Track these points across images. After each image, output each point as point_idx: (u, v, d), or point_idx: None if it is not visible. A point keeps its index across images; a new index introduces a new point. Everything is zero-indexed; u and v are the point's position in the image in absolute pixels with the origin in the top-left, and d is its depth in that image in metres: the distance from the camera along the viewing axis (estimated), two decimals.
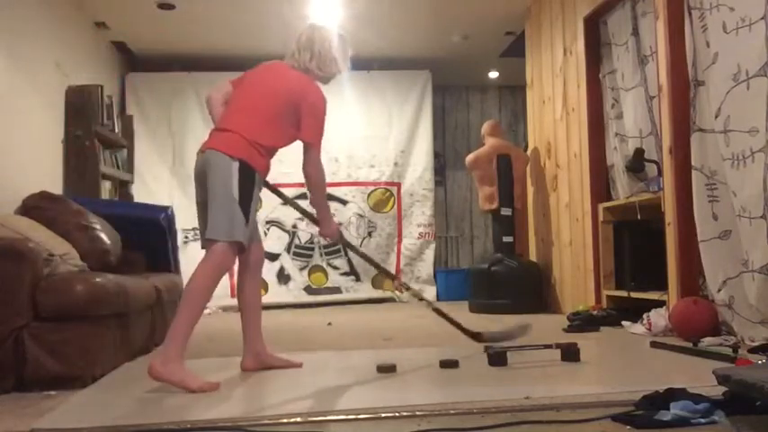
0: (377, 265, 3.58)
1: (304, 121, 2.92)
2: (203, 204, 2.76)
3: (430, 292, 7.09)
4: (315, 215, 3.15)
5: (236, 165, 2.68)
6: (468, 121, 8.14)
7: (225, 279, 6.64)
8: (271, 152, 2.89)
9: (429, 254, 7.18)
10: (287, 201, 3.38)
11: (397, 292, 7.02)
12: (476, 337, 3.25)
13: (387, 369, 2.80)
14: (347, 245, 3.37)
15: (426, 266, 7.16)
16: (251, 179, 2.72)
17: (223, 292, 6.69)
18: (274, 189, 3.21)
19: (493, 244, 6.14)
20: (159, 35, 6.34)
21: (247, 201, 2.69)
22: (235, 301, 7.03)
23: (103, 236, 3.57)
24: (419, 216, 7.16)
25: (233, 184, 2.66)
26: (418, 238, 7.16)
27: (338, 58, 3.06)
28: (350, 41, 3.14)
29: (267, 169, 2.90)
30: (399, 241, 7.14)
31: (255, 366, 2.94)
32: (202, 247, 2.78)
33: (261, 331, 2.99)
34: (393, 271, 7.11)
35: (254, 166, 2.74)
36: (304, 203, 7.16)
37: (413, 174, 7.18)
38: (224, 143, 2.74)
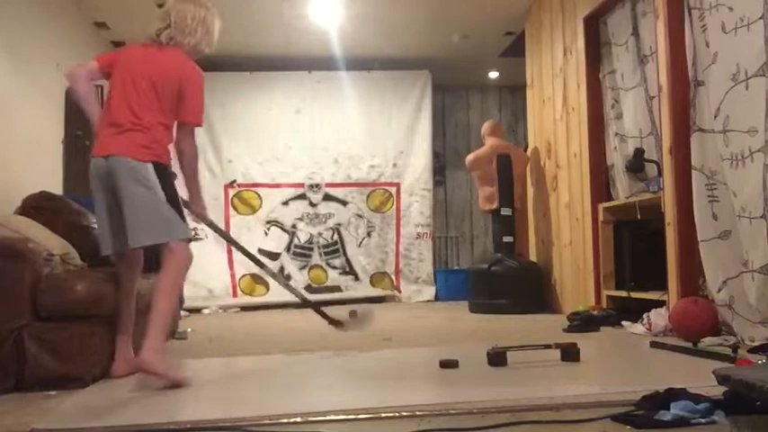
0: (255, 259, 3.71)
1: (188, 102, 2.79)
2: (112, 209, 2.72)
3: (429, 292, 7.10)
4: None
5: (150, 167, 2.67)
6: (468, 121, 8.14)
7: (227, 279, 6.72)
8: (169, 138, 2.82)
9: (427, 254, 7.19)
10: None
11: (395, 292, 7.03)
12: (337, 324, 3.57)
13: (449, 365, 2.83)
14: (214, 226, 3.33)
15: (425, 266, 7.17)
16: (166, 174, 2.73)
17: (225, 292, 6.71)
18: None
19: (493, 244, 6.14)
20: None
21: (175, 197, 2.72)
22: (235, 301, 7.09)
23: None
24: (417, 216, 7.17)
25: (156, 188, 2.66)
26: (417, 237, 7.17)
27: (199, 31, 2.90)
28: (216, 17, 3.00)
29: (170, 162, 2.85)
30: (398, 241, 7.14)
31: (126, 371, 2.84)
32: (114, 253, 2.82)
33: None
34: (393, 270, 7.11)
35: (164, 162, 2.74)
36: (302, 203, 7.23)
37: (412, 174, 7.18)
38: (130, 146, 2.68)
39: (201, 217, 3.05)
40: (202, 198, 3.02)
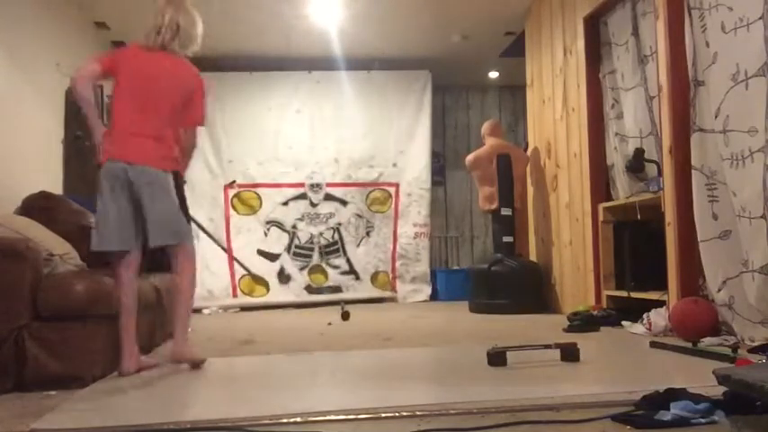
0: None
1: (197, 108, 3.07)
2: (124, 210, 2.85)
3: (425, 292, 7.10)
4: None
5: (170, 177, 2.94)
6: (469, 121, 8.14)
7: (227, 279, 6.72)
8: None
9: (425, 253, 7.18)
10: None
11: (392, 292, 7.02)
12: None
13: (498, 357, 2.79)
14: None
15: (422, 266, 7.16)
16: (181, 184, 3.05)
17: (224, 293, 6.70)
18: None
19: (493, 244, 6.14)
20: None
21: (184, 202, 3.04)
22: (235, 301, 7.10)
23: None
24: (415, 216, 7.16)
25: (173, 195, 2.95)
26: (414, 237, 7.16)
27: (199, 36, 3.11)
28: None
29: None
30: (395, 241, 7.14)
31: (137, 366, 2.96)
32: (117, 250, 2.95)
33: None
34: (389, 270, 7.10)
35: (177, 169, 3.02)
36: (303, 203, 7.22)
37: (411, 174, 7.18)
38: (155, 157, 2.90)
39: None
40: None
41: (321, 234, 7.02)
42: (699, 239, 3.50)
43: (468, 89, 8.17)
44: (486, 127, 6.14)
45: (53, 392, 2.52)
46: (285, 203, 7.02)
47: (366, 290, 6.95)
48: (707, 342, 3.23)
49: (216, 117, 6.88)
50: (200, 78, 3.08)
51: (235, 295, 6.74)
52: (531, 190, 6.01)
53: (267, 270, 6.82)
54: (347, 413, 2.05)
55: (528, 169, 5.99)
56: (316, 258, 6.97)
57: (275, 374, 2.90)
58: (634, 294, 4.23)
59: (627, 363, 3.06)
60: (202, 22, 3.11)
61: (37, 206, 3.59)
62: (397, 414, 2.03)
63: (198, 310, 6.19)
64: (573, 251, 5.09)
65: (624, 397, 2.09)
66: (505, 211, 5.64)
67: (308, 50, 6.75)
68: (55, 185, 4.76)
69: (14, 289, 2.60)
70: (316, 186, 7.04)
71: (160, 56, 2.99)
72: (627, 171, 4.43)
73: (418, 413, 2.02)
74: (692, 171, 3.52)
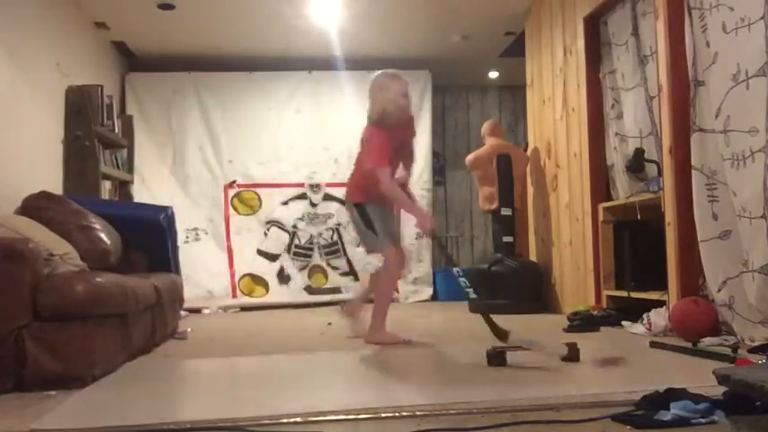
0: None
1: (365, 154, 3.82)
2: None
3: (427, 293, 7.09)
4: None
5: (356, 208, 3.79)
6: (469, 121, 8.13)
7: (227, 280, 6.71)
8: (374, 181, 3.69)
9: (426, 254, 7.18)
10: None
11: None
12: (501, 335, 3.21)
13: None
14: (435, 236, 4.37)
15: (424, 266, 7.16)
16: (363, 210, 3.77)
17: (224, 293, 6.70)
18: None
19: (493, 244, 6.13)
20: (159, 35, 6.34)
21: (370, 224, 3.76)
22: (235, 302, 7.08)
23: (103, 236, 3.57)
24: None
25: (359, 220, 3.78)
26: (416, 238, 7.15)
27: (381, 100, 3.95)
28: (400, 77, 4.01)
29: (378, 196, 3.75)
30: None
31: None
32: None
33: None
34: None
35: (364, 202, 3.78)
36: (303, 203, 7.21)
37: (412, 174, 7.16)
38: (348, 193, 3.97)
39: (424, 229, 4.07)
40: (416, 211, 3.92)
41: (320, 234, 7.02)
42: (699, 239, 3.50)
43: (468, 89, 8.16)
44: (486, 127, 6.14)
45: (53, 392, 2.52)
46: (285, 203, 7.02)
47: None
48: (707, 342, 3.23)
49: (216, 117, 6.89)
50: (365, 133, 3.97)
51: (234, 295, 6.73)
52: (531, 190, 6.01)
53: (267, 270, 6.82)
54: (347, 413, 2.05)
55: (528, 169, 5.99)
56: (316, 258, 6.96)
57: (275, 374, 2.90)
58: (634, 294, 4.23)
59: (627, 363, 3.06)
60: None
61: (37, 206, 3.59)
62: (397, 414, 2.03)
63: (197, 310, 6.20)
64: (573, 251, 5.09)
65: (624, 397, 2.09)
66: (505, 211, 5.63)
67: (308, 50, 6.75)
68: (55, 185, 4.76)
69: (14, 289, 2.59)
70: (315, 187, 7.03)
71: None
72: (627, 171, 4.43)
73: (418, 413, 2.02)
74: (692, 171, 3.52)
